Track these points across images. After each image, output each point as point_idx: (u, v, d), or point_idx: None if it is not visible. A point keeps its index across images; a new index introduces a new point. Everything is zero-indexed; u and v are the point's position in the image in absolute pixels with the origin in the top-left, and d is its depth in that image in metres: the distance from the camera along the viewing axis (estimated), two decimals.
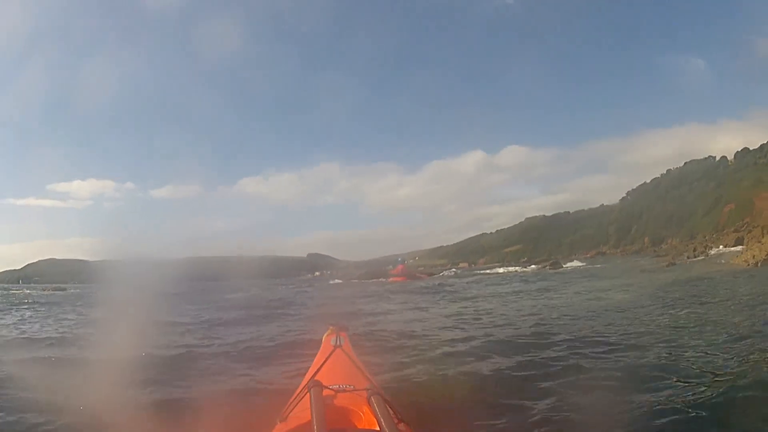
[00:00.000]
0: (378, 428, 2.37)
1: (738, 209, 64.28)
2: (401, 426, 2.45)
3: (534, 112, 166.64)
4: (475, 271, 42.50)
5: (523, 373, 4.68)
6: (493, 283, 21.47)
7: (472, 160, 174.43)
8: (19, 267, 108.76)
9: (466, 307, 11.19)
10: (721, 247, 35.31)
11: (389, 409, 2.47)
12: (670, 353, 5.06)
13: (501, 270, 38.12)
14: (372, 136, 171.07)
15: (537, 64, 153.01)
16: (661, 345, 5.46)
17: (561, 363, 4.96)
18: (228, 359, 6.14)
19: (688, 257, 30.25)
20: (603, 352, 5.30)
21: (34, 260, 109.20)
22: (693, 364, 4.58)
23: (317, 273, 79.97)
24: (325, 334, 4.04)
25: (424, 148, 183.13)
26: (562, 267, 34.98)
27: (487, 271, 38.26)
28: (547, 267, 35.78)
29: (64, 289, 41.79)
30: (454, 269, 51.79)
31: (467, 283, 22.95)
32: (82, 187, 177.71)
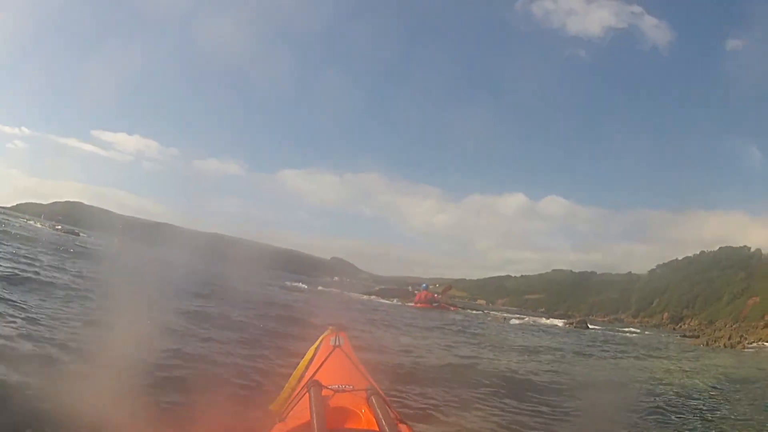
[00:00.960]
0: (377, 428, 2.39)
1: (762, 303, 64.49)
2: (400, 426, 2.45)
3: (585, 168, 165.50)
4: (494, 313, 36.96)
5: None
6: (529, 333, 19.40)
7: (514, 202, 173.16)
8: (45, 202, 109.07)
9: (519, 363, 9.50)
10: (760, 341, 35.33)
11: (388, 409, 2.50)
12: None
13: (518, 320, 33.10)
14: (421, 156, 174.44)
15: (598, 119, 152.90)
16: None
17: None
18: (227, 356, 5.96)
19: (725, 345, 30.75)
20: None
21: (62, 200, 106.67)
22: None
23: (336, 278, 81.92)
24: (324, 334, 4.00)
25: (469, 180, 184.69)
26: (588, 328, 34.15)
27: (515, 321, 32.06)
28: (574, 325, 34.84)
29: (77, 234, 41.75)
30: (484, 310, 46.01)
31: (499, 327, 21.06)
32: (126, 141, 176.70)
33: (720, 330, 48.41)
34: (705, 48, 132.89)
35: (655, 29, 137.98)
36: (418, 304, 27.50)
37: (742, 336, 37.68)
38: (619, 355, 14.43)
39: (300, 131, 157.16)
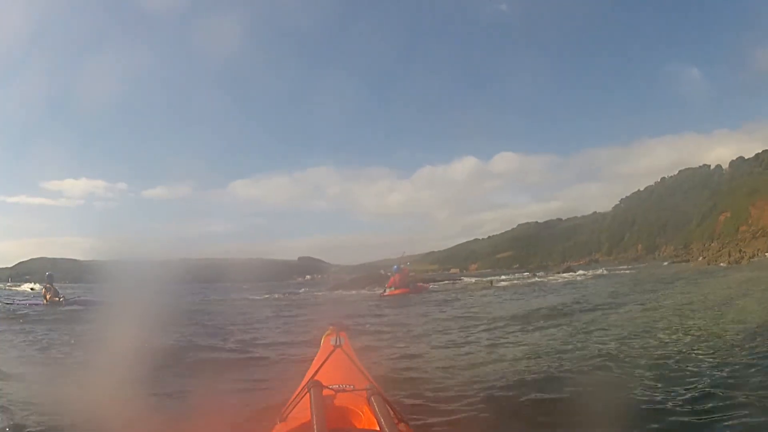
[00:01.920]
0: (378, 428, 2.40)
1: (733, 217, 64.01)
2: (401, 426, 2.47)
3: (527, 119, 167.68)
4: (505, 279, 29.98)
5: None
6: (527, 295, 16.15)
7: (465, 166, 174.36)
8: (10, 265, 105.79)
9: None
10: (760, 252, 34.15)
11: (389, 409, 2.51)
12: None
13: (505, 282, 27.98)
14: (364, 139, 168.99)
15: (532, 71, 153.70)
16: None
17: None
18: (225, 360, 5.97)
19: (729, 262, 29.35)
20: None
21: (26, 258, 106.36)
22: None
23: (308, 277, 78.62)
24: (325, 334, 4.00)
25: (417, 154, 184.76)
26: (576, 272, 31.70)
27: (533, 280, 27.92)
28: (561, 272, 33.08)
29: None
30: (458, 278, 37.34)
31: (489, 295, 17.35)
32: (74, 186, 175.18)
33: (709, 251, 46.68)
34: None
35: None
36: (395, 291, 21.57)
37: (740, 251, 36.21)
38: (668, 293, 12.85)
39: (240, 139, 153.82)
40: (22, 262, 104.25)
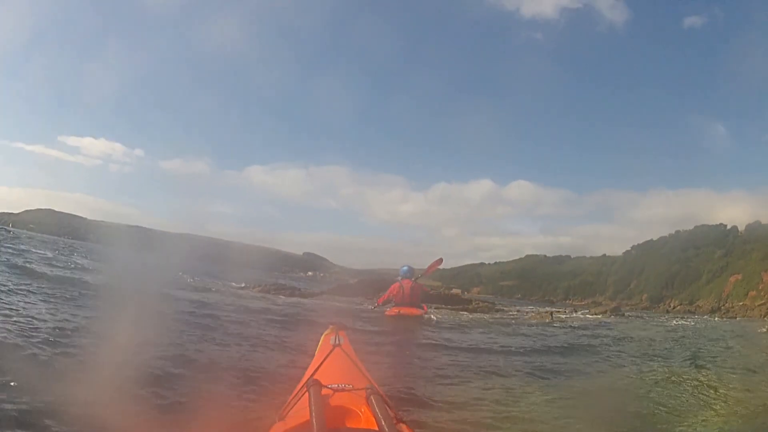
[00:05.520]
0: (377, 428, 2.37)
1: (744, 281, 63.81)
2: (400, 426, 2.46)
3: (549, 151, 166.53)
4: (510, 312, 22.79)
5: None
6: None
7: (480, 188, 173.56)
8: (17, 211, 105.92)
9: None
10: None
11: (388, 408, 2.49)
12: None
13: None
14: (383, 145, 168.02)
15: (560, 102, 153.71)
16: None
17: None
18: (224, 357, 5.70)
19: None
20: None
21: (33, 208, 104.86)
22: None
23: (310, 273, 78.73)
24: (325, 333, 3.99)
25: (435, 168, 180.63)
26: (624, 315, 28.44)
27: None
28: (608, 314, 30.74)
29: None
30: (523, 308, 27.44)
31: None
32: (93, 145, 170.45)
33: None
34: (662, 26, 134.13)
35: (611, 9, 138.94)
36: (400, 309, 12.69)
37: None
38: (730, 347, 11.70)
39: (266, 127, 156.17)
40: (29, 210, 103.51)
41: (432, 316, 12.66)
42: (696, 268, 75.84)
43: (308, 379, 2.78)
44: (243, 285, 19.00)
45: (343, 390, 2.79)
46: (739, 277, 65.07)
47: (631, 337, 12.44)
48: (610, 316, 25.81)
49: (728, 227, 79.72)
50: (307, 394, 2.57)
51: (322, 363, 3.14)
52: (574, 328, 14.22)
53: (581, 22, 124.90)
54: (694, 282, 74.04)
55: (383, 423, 2.34)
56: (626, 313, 29.70)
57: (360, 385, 2.80)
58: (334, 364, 3.22)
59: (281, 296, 16.56)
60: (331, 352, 3.36)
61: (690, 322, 25.66)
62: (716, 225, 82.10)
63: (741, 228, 77.69)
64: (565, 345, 9.62)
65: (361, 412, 2.63)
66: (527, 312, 21.66)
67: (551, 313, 18.90)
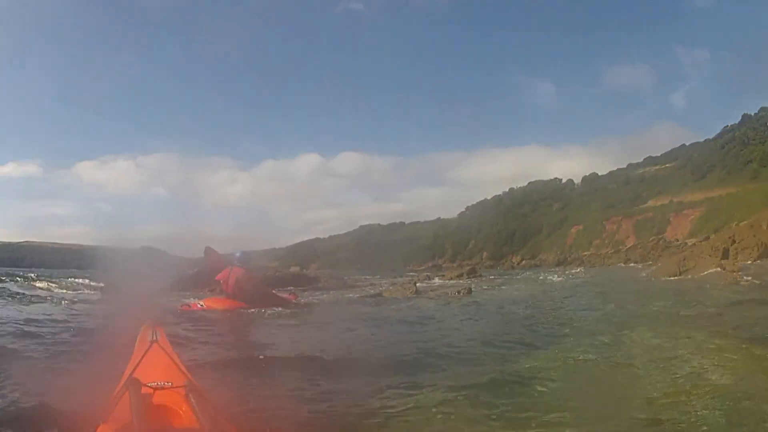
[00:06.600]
0: (198, 425, 2.43)
1: (587, 231, 65.30)
2: (221, 421, 2.51)
3: (374, 121, 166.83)
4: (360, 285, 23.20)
5: None
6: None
7: (308, 162, 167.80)
8: None
9: None
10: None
11: (208, 405, 2.54)
12: None
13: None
14: (208, 127, 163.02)
15: (382, 72, 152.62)
16: None
17: None
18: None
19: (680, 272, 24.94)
20: None
21: None
22: None
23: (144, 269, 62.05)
24: (142, 329, 3.92)
25: (260, 146, 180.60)
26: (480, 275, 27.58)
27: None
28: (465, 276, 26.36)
29: None
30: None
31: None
32: None
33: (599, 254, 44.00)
34: None
35: None
36: (223, 301, 11.18)
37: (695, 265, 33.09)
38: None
39: (89, 117, 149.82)
40: None
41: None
42: (534, 222, 77.10)
43: (127, 378, 2.71)
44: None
45: (162, 388, 2.73)
46: (581, 227, 66.64)
47: (539, 302, 12.32)
48: (469, 278, 24.73)
49: (564, 180, 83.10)
50: (127, 393, 2.51)
51: (140, 360, 3.04)
52: (458, 299, 13.29)
53: None
54: (535, 236, 75.02)
55: (203, 420, 2.38)
56: (481, 274, 28.67)
57: (179, 382, 2.80)
58: (152, 361, 3.12)
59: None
60: (148, 348, 3.21)
61: (559, 277, 24.11)
62: (551, 180, 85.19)
63: (577, 181, 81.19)
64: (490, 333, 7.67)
65: (182, 410, 2.63)
66: (383, 285, 21.08)
67: (415, 284, 17.55)
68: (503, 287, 18.55)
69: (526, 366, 5.28)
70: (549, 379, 4.71)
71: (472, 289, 15.86)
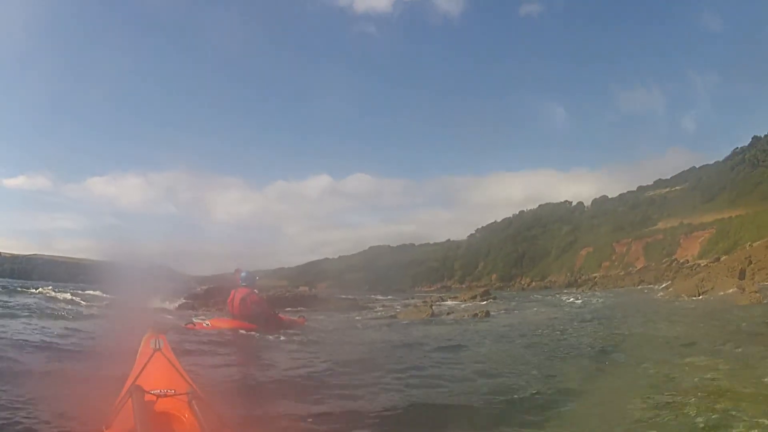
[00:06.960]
0: None
1: (596, 253, 65.27)
2: (224, 429, 2.54)
3: (385, 143, 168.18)
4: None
5: None
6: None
7: (319, 183, 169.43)
8: None
9: None
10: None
11: (210, 412, 2.56)
12: None
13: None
14: (219, 147, 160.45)
15: (393, 95, 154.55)
16: None
17: None
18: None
19: (699, 293, 24.98)
20: None
21: None
22: None
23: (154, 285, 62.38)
24: (144, 337, 3.95)
25: (272, 167, 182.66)
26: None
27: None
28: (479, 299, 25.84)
29: None
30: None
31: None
32: None
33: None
34: (500, 14, 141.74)
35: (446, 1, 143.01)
36: (228, 322, 11.22)
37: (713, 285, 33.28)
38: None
39: (101, 134, 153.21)
40: None
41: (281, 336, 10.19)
42: (543, 245, 77.13)
43: (130, 385, 2.71)
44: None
45: (165, 395, 2.75)
46: (590, 249, 66.59)
47: (569, 325, 11.53)
48: (482, 299, 24.08)
49: (574, 203, 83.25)
50: (130, 401, 2.51)
51: (143, 368, 3.08)
52: (477, 322, 13.11)
53: (415, 13, 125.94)
54: (544, 258, 74.96)
55: (205, 428, 2.40)
56: (495, 296, 27.37)
57: (182, 389, 2.81)
58: (155, 369, 3.15)
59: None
60: (152, 356, 3.23)
61: (579, 299, 24.06)
62: (561, 202, 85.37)
63: (587, 204, 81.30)
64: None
65: (184, 417, 2.64)
66: (395, 306, 20.74)
67: (431, 306, 17.35)
68: (522, 310, 17.95)
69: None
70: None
71: (491, 312, 15.52)
